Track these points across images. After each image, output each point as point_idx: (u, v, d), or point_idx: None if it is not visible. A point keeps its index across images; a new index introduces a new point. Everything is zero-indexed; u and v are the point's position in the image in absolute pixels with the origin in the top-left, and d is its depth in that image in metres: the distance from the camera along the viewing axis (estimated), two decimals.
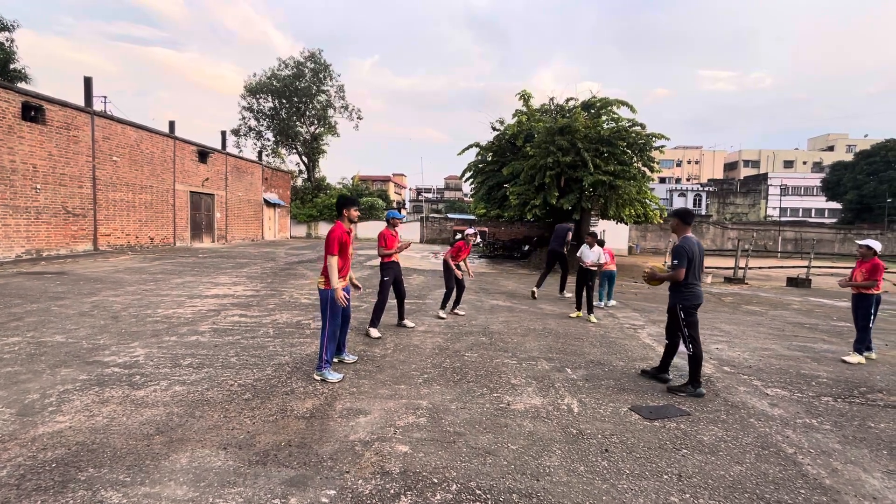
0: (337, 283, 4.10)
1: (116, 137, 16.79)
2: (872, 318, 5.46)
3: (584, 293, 7.44)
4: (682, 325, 4.27)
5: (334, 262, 4.09)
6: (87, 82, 16.49)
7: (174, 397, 3.67)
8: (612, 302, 9.02)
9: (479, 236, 9.77)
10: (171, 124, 20.66)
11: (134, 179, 17.70)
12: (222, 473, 2.62)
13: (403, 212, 42.17)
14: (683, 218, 4.39)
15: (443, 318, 7.01)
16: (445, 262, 7.23)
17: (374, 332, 5.82)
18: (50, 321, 5.98)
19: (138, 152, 17.89)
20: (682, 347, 4.34)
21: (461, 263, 7.32)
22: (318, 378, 4.18)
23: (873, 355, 5.60)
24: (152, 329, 5.79)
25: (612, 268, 8.84)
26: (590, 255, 7.44)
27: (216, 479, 2.56)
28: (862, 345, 5.54)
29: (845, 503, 2.58)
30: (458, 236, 8.01)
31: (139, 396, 3.66)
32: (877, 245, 5.42)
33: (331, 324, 4.18)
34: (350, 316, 4.64)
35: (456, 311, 7.42)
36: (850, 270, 5.69)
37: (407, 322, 6.47)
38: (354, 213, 4.38)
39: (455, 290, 7.29)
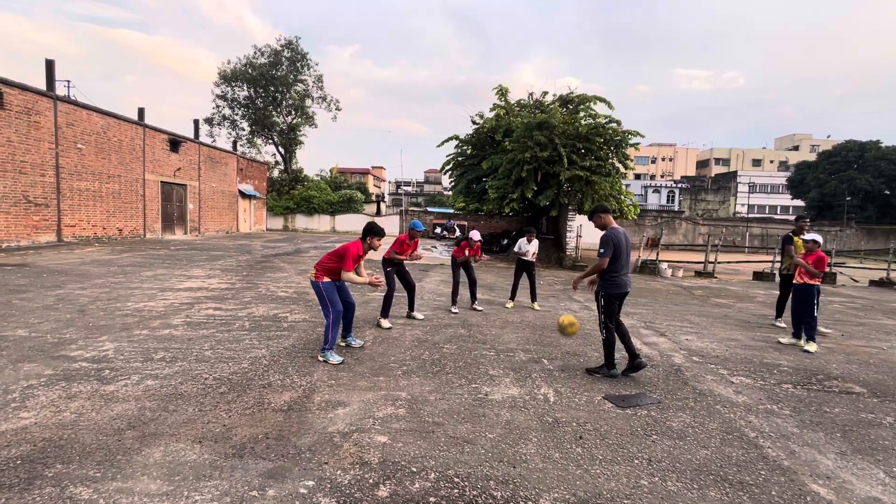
0: (346, 276, 4.55)
1: (81, 124, 16.09)
2: (817, 306, 5.84)
3: (529, 284, 8.03)
4: (599, 311, 4.48)
5: (351, 275, 4.51)
6: (49, 65, 15.70)
7: (146, 391, 3.59)
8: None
9: (458, 230, 10.02)
10: (141, 111, 19.89)
11: (101, 168, 17.01)
12: (197, 467, 2.59)
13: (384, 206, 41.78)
14: (606, 209, 4.55)
15: (455, 313, 7.10)
16: (452, 259, 7.61)
17: (385, 323, 6.05)
18: (11, 315, 5.73)
19: (105, 140, 17.19)
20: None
21: (470, 260, 7.54)
22: (321, 359, 4.52)
23: (812, 347, 5.78)
24: (122, 323, 5.62)
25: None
26: (528, 248, 7.96)
27: (191, 473, 2.53)
28: (814, 332, 5.87)
29: (802, 482, 2.74)
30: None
31: (109, 391, 3.56)
32: (820, 238, 5.97)
33: (332, 310, 4.51)
34: (353, 303, 4.98)
35: (474, 306, 7.53)
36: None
37: (417, 314, 6.69)
38: (377, 242, 4.74)
39: (468, 285, 7.57)
